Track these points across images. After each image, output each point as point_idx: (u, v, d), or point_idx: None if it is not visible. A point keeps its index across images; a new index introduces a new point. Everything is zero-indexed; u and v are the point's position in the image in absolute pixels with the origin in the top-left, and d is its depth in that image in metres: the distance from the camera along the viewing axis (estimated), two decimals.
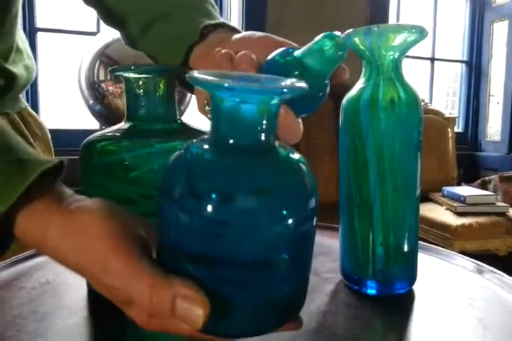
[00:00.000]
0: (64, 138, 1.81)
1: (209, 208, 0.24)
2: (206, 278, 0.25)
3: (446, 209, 2.14)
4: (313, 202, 0.26)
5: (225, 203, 0.24)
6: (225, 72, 0.33)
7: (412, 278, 0.49)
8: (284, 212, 0.25)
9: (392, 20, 2.72)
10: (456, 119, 2.78)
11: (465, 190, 2.22)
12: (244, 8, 2.36)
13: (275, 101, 0.26)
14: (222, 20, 0.49)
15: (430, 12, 3.03)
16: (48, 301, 0.45)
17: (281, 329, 0.29)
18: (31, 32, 2.07)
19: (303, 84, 0.26)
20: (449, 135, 2.54)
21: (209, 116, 0.28)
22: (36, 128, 0.71)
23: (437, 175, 2.44)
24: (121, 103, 1.73)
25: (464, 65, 3.14)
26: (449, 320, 0.43)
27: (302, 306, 0.29)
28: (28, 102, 0.73)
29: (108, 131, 0.43)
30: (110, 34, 1.74)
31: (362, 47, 0.44)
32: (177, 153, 0.27)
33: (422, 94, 2.88)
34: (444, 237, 1.99)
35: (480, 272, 0.53)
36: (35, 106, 2.04)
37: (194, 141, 0.28)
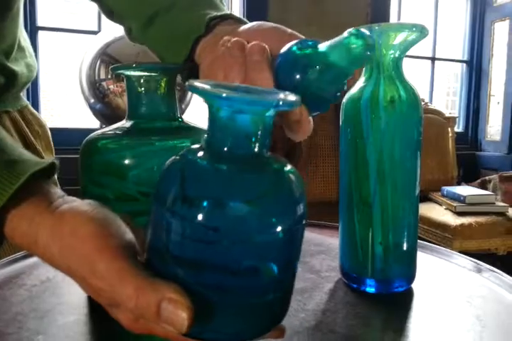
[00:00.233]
0: (64, 137, 1.81)
1: (200, 214, 0.24)
2: (193, 282, 0.25)
3: (446, 208, 2.14)
4: (301, 211, 0.27)
5: (216, 210, 0.24)
6: (224, 83, 0.34)
7: (410, 276, 0.49)
8: (274, 220, 0.25)
9: (393, 19, 2.72)
10: (457, 119, 2.79)
11: (465, 190, 2.22)
12: (245, 6, 2.36)
13: (270, 112, 0.26)
14: (228, 11, 0.47)
15: (431, 11, 3.03)
16: (49, 298, 0.45)
17: (264, 337, 0.29)
18: (32, 30, 2.07)
19: (298, 99, 0.26)
20: (449, 135, 2.54)
21: None
22: (37, 126, 0.71)
23: (437, 175, 2.45)
24: (122, 102, 1.73)
25: (464, 64, 3.14)
26: (448, 318, 0.43)
27: (286, 313, 0.29)
28: (28, 101, 0.73)
29: (109, 129, 0.43)
30: (111, 33, 1.74)
31: None
32: (172, 158, 0.28)
33: (423, 93, 2.88)
34: (444, 237, 1.99)
35: (478, 271, 0.54)
36: (35, 105, 2.05)
37: (191, 147, 0.28)
